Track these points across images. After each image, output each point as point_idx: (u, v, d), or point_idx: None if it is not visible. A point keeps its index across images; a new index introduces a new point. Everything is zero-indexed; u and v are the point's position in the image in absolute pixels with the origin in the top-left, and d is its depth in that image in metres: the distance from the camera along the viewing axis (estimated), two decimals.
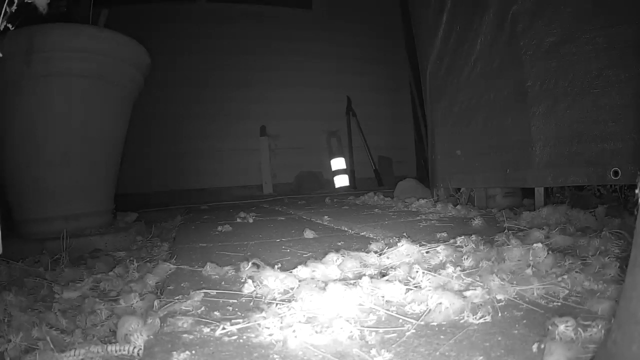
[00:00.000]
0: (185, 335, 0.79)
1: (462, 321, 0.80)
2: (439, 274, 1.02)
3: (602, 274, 0.99)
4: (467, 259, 1.16)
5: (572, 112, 1.94)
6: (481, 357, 0.65)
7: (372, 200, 3.35)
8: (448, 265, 1.07)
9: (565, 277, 0.95)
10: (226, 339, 0.77)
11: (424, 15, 2.86)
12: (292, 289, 0.98)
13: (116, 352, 0.83)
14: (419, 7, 2.95)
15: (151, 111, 4.47)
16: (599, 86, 1.84)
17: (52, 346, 0.87)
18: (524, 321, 0.79)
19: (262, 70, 5.30)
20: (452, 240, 1.38)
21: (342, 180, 5.37)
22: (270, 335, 0.76)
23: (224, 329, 0.79)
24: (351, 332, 0.74)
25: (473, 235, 1.37)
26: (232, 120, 5.22)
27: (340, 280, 1.07)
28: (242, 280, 1.12)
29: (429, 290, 0.89)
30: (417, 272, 1.01)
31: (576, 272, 0.97)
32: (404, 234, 1.67)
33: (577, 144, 1.93)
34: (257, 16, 5.35)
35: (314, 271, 1.10)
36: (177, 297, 1.01)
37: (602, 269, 1.01)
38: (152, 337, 0.81)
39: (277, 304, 0.87)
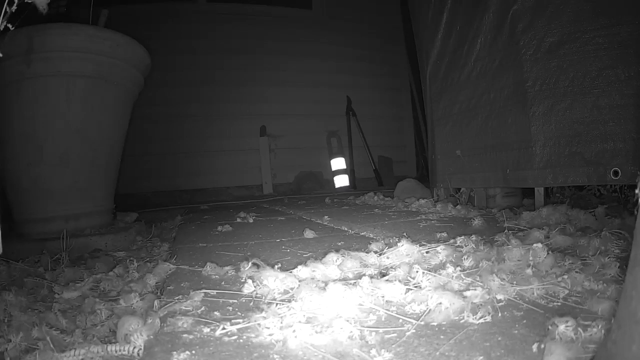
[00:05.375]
0: (185, 335, 0.79)
1: (462, 321, 0.80)
2: (439, 274, 1.02)
3: (602, 274, 0.99)
4: (467, 259, 1.16)
5: (572, 112, 1.94)
6: (481, 357, 0.65)
7: (372, 200, 3.35)
8: (448, 265, 1.07)
9: (565, 277, 0.95)
10: (226, 339, 0.77)
11: (424, 15, 2.86)
12: (292, 289, 0.98)
13: (116, 352, 0.83)
14: (419, 7, 2.95)
15: (151, 111, 4.47)
16: (599, 86, 1.84)
17: (52, 346, 0.87)
18: (524, 321, 0.79)
19: (262, 70, 5.30)
20: (452, 240, 1.38)
21: (342, 180, 5.37)
22: (270, 335, 0.76)
23: (224, 329, 0.79)
24: (351, 332, 0.74)
25: (473, 235, 1.37)
26: (232, 120, 5.22)
27: (340, 280, 1.07)
28: (242, 280, 1.12)
29: (429, 290, 0.89)
30: (417, 272, 1.01)
31: (576, 272, 0.97)
32: (404, 234, 1.67)
33: (577, 144, 1.93)
34: (257, 16, 5.35)
35: (314, 271, 1.10)
36: (177, 297, 1.01)
37: (602, 269, 1.01)
38: (152, 337, 0.81)
39: (277, 304, 0.87)
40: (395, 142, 6.12)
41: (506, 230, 1.48)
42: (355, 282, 0.96)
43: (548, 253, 1.10)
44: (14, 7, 0.86)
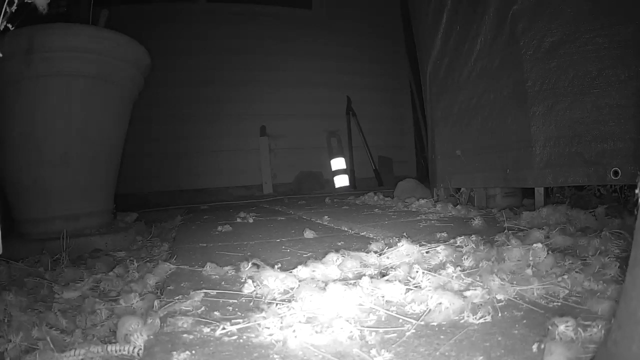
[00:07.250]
0: (185, 335, 0.79)
1: (462, 321, 0.80)
2: (439, 274, 1.02)
3: (602, 274, 0.99)
4: (467, 259, 1.16)
5: (572, 112, 1.94)
6: (481, 357, 0.65)
7: (372, 200, 3.35)
8: (448, 265, 1.07)
9: (565, 277, 0.95)
10: (226, 339, 0.77)
11: (424, 15, 2.86)
12: (292, 289, 0.98)
13: (116, 352, 0.83)
14: (419, 7, 2.95)
15: (151, 111, 4.47)
16: (599, 86, 1.84)
17: (52, 346, 0.87)
18: (524, 321, 0.79)
19: (262, 70, 5.30)
20: (452, 240, 1.38)
21: (342, 180, 5.37)
22: (270, 335, 0.76)
23: (224, 329, 0.79)
24: (351, 332, 0.74)
25: (473, 235, 1.37)
26: (232, 120, 5.22)
27: (340, 280, 1.07)
28: (242, 280, 1.12)
29: (429, 290, 0.89)
30: (417, 272, 1.01)
31: (576, 272, 0.97)
32: (404, 234, 1.67)
33: (577, 144, 1.93)
34: (257, 16, 5.35)
35: (314, 271, 1.10)
36: (177, 297, 1.01)
37: (602, 269, 1.01)
38: (152, 337, 0.81)
39: (277, 304, 0.87)
40: (395, 142, 6.12)
41: (506, 230, 1.48)
42: (355, 282, 0.96)
43: (548, 253, 1.10)
44: (14, 7, 0.86)
